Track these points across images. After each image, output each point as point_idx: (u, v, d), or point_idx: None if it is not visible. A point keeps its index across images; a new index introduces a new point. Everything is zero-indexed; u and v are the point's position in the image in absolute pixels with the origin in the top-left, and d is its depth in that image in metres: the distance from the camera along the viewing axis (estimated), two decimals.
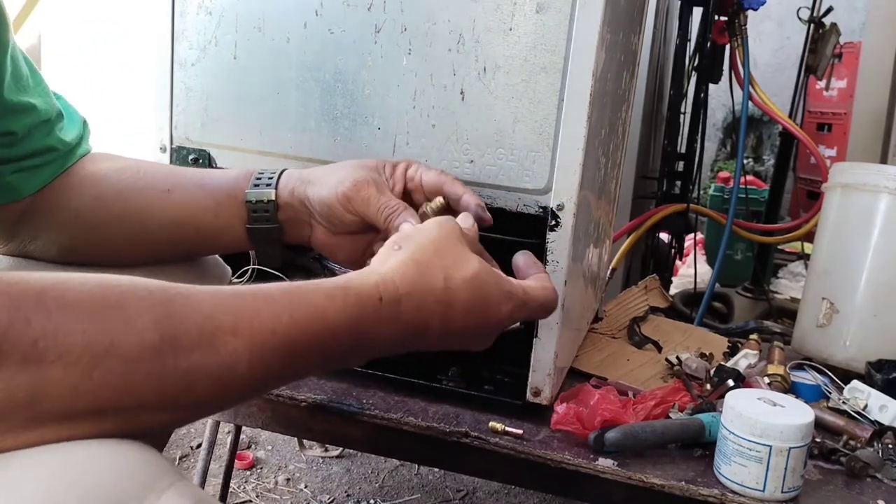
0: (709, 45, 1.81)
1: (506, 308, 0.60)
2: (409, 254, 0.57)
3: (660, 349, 1.19)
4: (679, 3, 1.90)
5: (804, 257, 2.52)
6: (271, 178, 0.73)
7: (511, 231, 0.83)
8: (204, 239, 0.75)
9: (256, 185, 0.73)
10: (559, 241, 0.83)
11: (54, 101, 0.73)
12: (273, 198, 0.72)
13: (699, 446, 0.88)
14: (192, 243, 0.76)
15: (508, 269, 0.66)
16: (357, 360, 0.54)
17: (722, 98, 2.29)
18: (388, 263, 0.56)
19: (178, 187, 0.74)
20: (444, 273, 0.56)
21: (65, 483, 0.36)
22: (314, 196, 0.72)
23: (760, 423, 0.78)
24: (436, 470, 1.58)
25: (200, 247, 0.78)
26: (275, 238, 0.74)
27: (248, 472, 1.54)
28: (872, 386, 1.03)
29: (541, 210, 0.84)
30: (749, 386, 1.01)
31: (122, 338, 0.40)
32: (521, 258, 0.68)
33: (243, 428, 1.33)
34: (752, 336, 1.23)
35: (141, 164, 0.77)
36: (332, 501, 1.47)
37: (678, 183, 1.97)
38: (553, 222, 0.83)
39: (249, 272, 0.94)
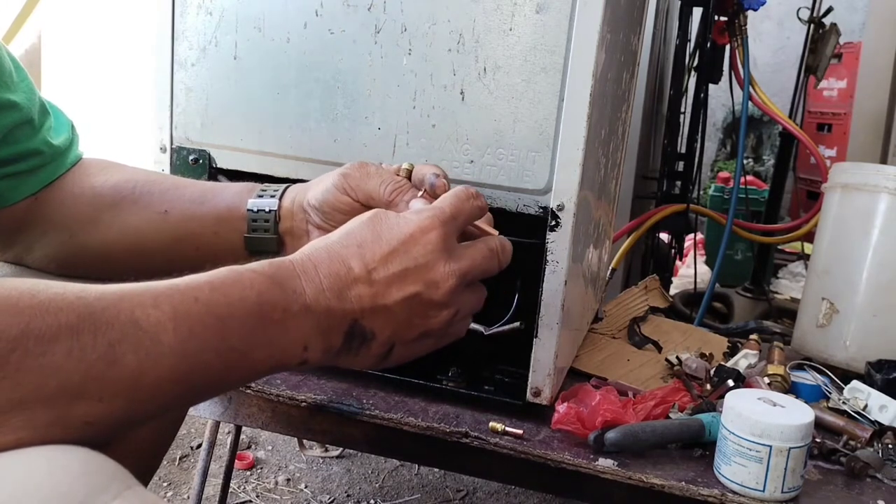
0: (709, 45, 1.81)
1: (421, 219, 0.57)
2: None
3: (660, 349, 1.19)
4: (679, 3, 1.90)
5: (804, 257, 2.52)
6: (276, 191, 0.73)
7: (511, 231, 0.83)
8: (203, 257, 0.73)
9: (260, 196, 0.72)
10: (559, 242, 0.83)
11: (37, 98, 0.70)
12: (275, 208, 0.71)
13: (699, 446, 0.88)
14: (191, 261, 0.75)
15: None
16: (300, 328, 0.50)
17: (722, 98, 2.29)
18: None
19: (175, 207, 0.72)
20: (341, 229, 0.58)
21: None
22: (312, 195, 0.71)
23: (760, 423, 0.78)
24: (436, 470, 1.58)
25: (199, 264, 0.78)
26: (273, 250, 0.72)
27: (249, 473, 1.54)
28: (872, 386, 1.03)
29: (541, 210, 0.83)
30: (749, 386, 1.01)
31: (37, 321, 0.38)
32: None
33: (243, 428, 1.33)
34: (752, 336, 1.23)
35: (138, 178, 0.74)
36: (332, 501, 1.47)
37: (678, 183, 1.97)
38: (553, 222, 0.82)
39: None
